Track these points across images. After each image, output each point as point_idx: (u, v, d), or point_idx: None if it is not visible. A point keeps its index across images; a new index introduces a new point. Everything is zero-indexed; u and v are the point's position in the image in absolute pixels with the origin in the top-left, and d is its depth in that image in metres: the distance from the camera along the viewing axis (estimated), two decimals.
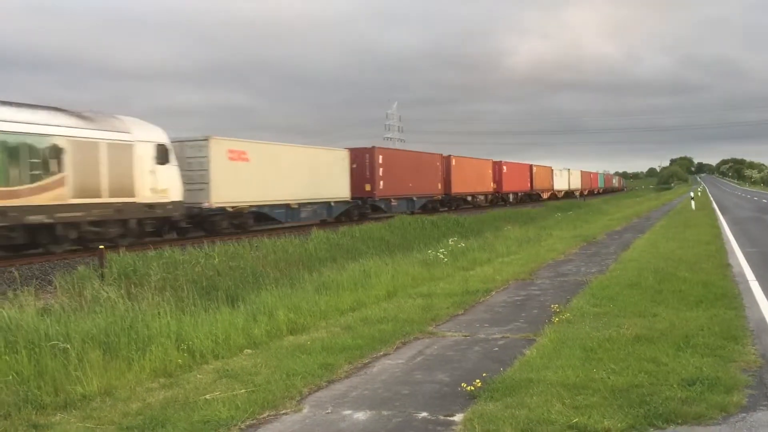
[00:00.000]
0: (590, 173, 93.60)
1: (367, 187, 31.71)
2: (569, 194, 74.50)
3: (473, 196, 45.83)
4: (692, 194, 50.64)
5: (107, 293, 9.93)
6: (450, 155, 41.40)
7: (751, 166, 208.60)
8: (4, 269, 14.84)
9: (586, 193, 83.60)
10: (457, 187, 41.93)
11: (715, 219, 30.99)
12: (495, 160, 50.22)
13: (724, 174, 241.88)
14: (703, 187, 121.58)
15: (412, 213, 34.52)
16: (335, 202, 29.29)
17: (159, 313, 8.67)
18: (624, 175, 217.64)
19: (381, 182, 32.27)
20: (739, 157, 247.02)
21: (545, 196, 64.07)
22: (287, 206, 25.97)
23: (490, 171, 48.79)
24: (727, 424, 5.03)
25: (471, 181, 44.43)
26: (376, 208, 33.06)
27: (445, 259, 15.73)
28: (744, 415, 5.18)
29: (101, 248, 12.90)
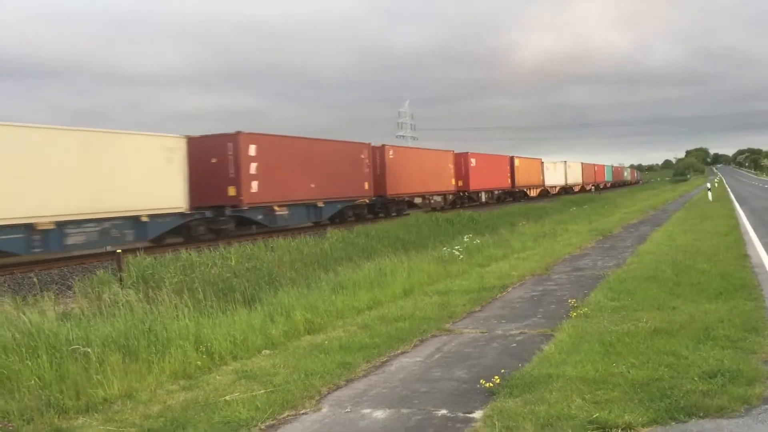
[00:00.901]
0: (594, 166, 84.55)
1: (231, 191, 22.70)
2: (567, 190, 65.44)
3: (425, 196, 37.08)
4: (709, 185, 50.07)
5: (126, 297, 10.01)
6: (384, 145, 32.93)
7: None
8: (24, 275, 15.02)
9: (589, 188, 75.28)
10: (397, 187, 33.07)
11: (733, 210, 30.66)
12: (458, 152, 42.20)
13: (740, 164, 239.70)
14: (720, 177, 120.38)
15: (322, 223, 28.16)
16: (153, 215, 19.57)
17: (177, 315, 8.74)
18: (639, 168, 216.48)
19: (254, 183, 23.33)
20: (755, 147, 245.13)
21: (533, 193, 55.37)
22: (31, 228, 16.20)
23: (452, 165, 40.24)
24: (750, 416, 4.97)
25: (420, 179, 35.72)
26: (245, 221, 24.02)
27: (461, 256, 15.71)
28: (767, 407, 5.13)
29: (119, 252, 13.01)
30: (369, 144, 31.31)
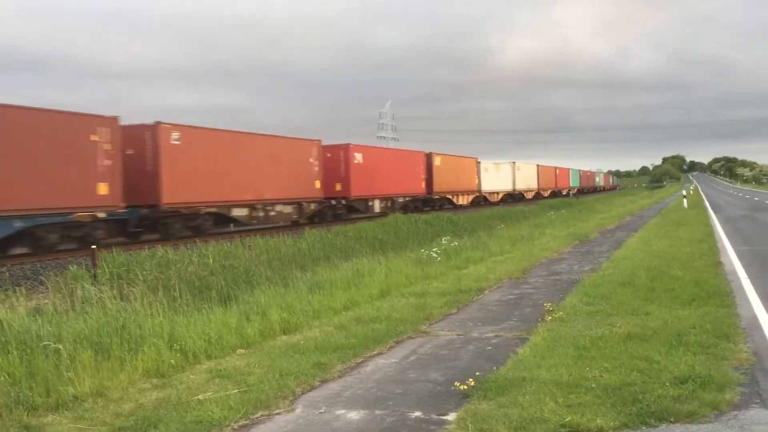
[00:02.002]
0: (556, 168, 72.68)
1: None
2: (516, 197, 53.99)
3: (254, 207, 24.49)
4: (684, 193, 50.73)
5: (99, 293, 9.89)
6: (159, 123, 20.29)
7: (743, 164, 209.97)
8: None
9: (547, 194, 64.59)
10: (189, 192, 21.12)
11: (708, 217, 31.09)
12: (340, 144, 31.16)
13: (716, 172, 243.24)
14: (696, 185, 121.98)
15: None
16: None
17: (151, 313, 8.66)
18: (617, 174, 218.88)
19: None
20: (731, 155, 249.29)
21: (462, 201, 43.87)
22: None
23: (316, 161, 28.23)
24: (720, 422, 5.03)
25: (248, 181, 23.85)
26: None
27: (439, 258, 15.75)
28: (736, 413, 5.19)
29: (93, 248, 12.85)
30: (114, 118, 18.52)
